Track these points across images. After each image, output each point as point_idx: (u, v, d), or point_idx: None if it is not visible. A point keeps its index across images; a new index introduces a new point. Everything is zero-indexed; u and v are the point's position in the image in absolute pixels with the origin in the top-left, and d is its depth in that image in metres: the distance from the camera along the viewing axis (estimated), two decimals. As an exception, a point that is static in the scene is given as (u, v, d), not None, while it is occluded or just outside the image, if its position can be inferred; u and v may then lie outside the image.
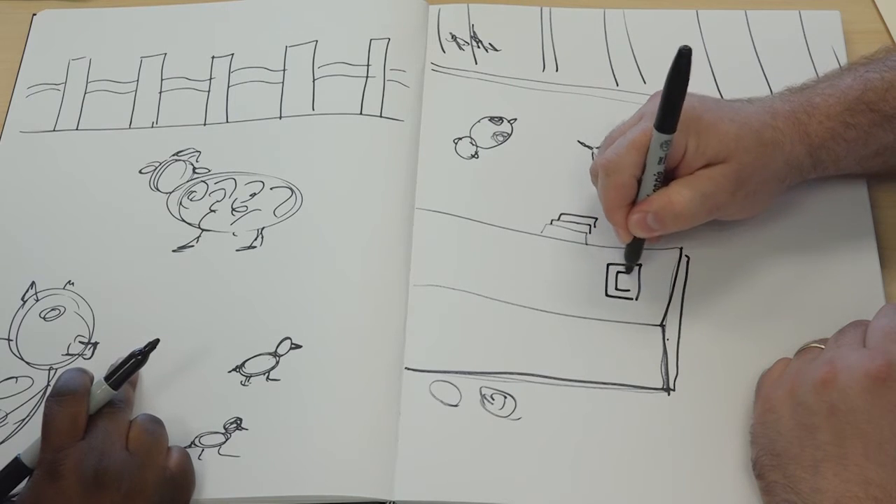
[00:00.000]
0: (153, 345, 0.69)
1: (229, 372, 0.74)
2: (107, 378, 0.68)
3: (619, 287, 0.76)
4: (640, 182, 0.72)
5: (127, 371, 0.68)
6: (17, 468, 0.67)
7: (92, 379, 0.69)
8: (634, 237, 0.74)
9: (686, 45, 0.65)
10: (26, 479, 0.67)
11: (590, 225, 0.79)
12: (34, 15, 0.93)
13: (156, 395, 0.73)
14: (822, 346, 0.68)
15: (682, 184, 0.71)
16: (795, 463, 0.63)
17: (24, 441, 0.71)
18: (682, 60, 0.66)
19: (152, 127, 0.86)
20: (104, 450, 0.65)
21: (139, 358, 0.68)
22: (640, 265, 0.77)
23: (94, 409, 0.67)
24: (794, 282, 0.76)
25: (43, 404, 0.67)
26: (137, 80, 0.89)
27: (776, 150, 0.72)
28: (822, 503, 0.61)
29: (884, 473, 0.60)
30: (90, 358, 0.75)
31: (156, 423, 0.69)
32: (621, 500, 0.68)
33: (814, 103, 0.73)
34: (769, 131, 0.72)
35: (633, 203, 0.73)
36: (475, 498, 0.69)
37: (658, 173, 0.71)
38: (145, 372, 0.73)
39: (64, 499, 0.64)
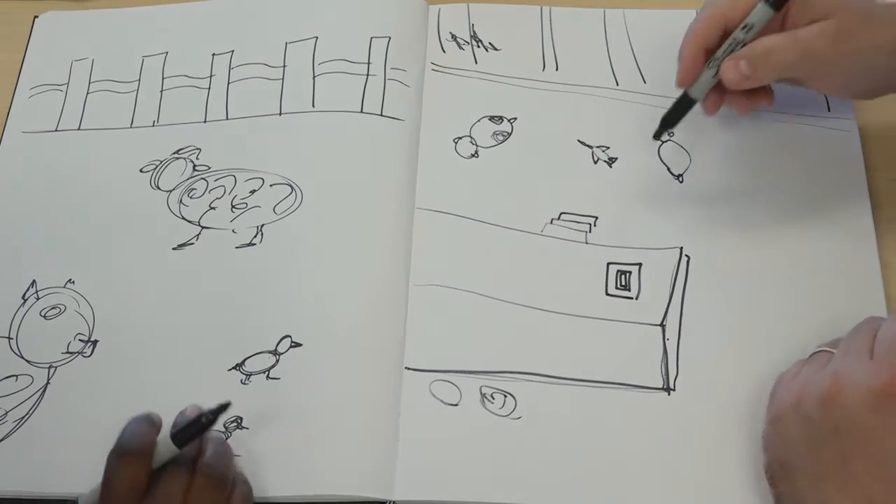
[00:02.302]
0: (223, 407, 0.67)
1: (229, 370, 0.74)
2: (173, 436, 0.66)
3: (619, 286, 0.76)
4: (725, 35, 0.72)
5: (194, 431, 0.67)
6: None
7: (158, 429, 0.68)
8: (686, 98, 0.74)
9: None
10: None
11: (590, 224, 0.79)
12: (36, 16, 0.93)
13: (156, 393, 0.73)
14: (833, 351, 0.66)
15: (775, 34, 0.71)
16: (802, 475, 0.62)
17: (25, 440, 0.72)
18: None
19: (153, 126, 0.86)
20: None
21: (209, 418, 0.67)
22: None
23: (156, 464, 0.66)
24: (795, 282, 0.76)
25: (106, 457, 0.65)
26: (139, 80, 0.89)
27: (884, 23, 0.70)
28: None
29: (887, 491, 0.59)
30: (90, 356, 0.75)
31: (218, 480, 0.67)
32: (621, 500, 0.68)
33: None
34: (881, 7, 0.70)
35: (707, 56, 0.72)
36: (475, 497, 0.69)
37: (744, 41, 0.71)
38: (146, 372, 0.73)
39: None
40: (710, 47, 0.73)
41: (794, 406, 0.63)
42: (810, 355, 0.68)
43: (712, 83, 0.73)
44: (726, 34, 0.72)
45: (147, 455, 0.65)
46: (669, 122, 0.75)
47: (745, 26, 0.71)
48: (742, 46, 0.71)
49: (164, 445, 0.66)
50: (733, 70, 0.71)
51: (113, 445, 0.66)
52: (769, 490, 0.65)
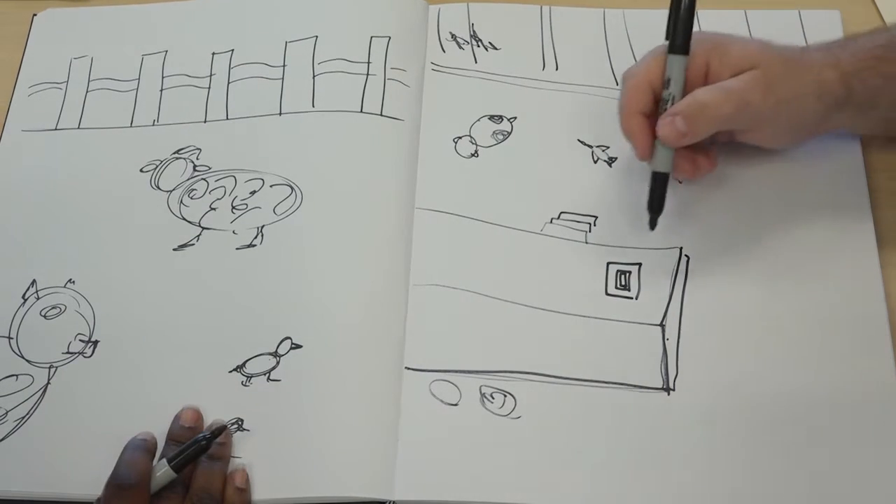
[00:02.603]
0: (218, 431, 0.69)
1: (230, 372, 0.74)
2: (169, 460, 0.68)
3: (619, 286, 0.76)
4: (656, 100, 0.73)
5: (190, 456, 0.68)
6: None
7: (154, 454, 0.69)
8: (655, 175, 0.74)
9: None
10: None
11: (590, 223, 0.79)
12: (35, 14, 0.93)
13: (156, 395, 0.73)
14: None
15: (706, 87, 0.72)
16: None
17: (25, 440, 0.72)
18: None
19: (153, 125, 0.86)
20: None
21: (203, 444, 0.68)
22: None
23: (153, 489, 0.67)
24: (794, 282, 0.76)
25: (102, 489, 0.67)
26: (139, 79, 0.89)
27: (804, 69, 0.72)
28: None
29: None
30: (90, 356, 0.75)
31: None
32: (621, 500, 0.68)
33: (846, 41, 0.74)
34: (796, 52, 0.73)
35: (651, 121, 0.73)
36: (475, 497, 0.69)
37: (672, 97, 0.72)
38: (146, 373, 0.73)
39: None
40: (647, 112, 0.73)
41: None
42: None
43: (670, 150, 0.74)
44: (656, 98, 0.73)
45: (145, 486, 0.67)
46: (655, 207, 0.75)
47: (666, 82, 0.72)
48: (672, 102, 0.72)
49: (161, 470, 0.67)
50: (669, 126, 0.72)
51: (110, 476, 0.67)
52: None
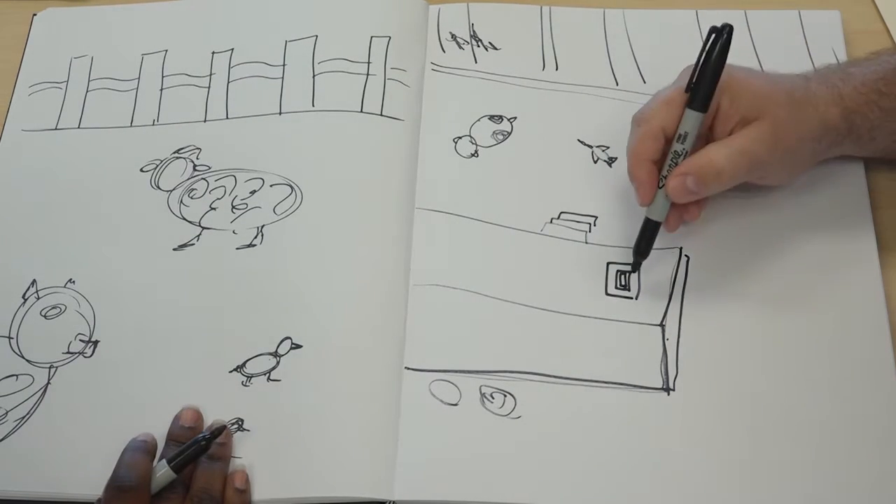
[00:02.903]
0: (218, 431, 0.69)
1: (230, 372, 0.74)
2: (169, 461, 0.68)
3: (619, 286, 0.76)
4: (668, 149, 0.73)
5: (189, 456, 0.68)
6: None
7: (154, 455, 0.69)
8: (648, 221, 0.74)
9: (729, 24, 0.68)
10: None
11: (590, 223, 0.79)
12: (35, 14, 0.93)
13: (156, 395, 0.73)
14: None
15: (718, 144, 0.72)
16: None
17: (25, 440, 0.72)
18: (725, 39, 0.68)
19: (153, 124, 0.86)
20: None
21: (203, 444, 0.68)
22: (640, 267, 0.76)
23: (154, 490, 0.67)
24: (794, 282, 0.76)
25: (102, 490, 0.67)
26: (139, 78, 0.89)
27: (809, 108, 0.72)
28: None
29: None
30: (91, 356, 0.75)
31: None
32: (620, 500, 0.68)
33: (849, 72, 0.74)
34: (801, 91, 0.73)
35: (658, 168, 0.73)
36: (475, 497, 0.69)
37: (685, 151, 0.72)
38: (146, 373, 0.73)
39: None
40: (655, 159, 0.73)
41: None
42: None
43: (669, 202, 0.74)
44: (667, 143, 0.73)
45: (145, 488, 0.67)
46: (642, 252, 0.75)
47: (679, 137, 0.72)
48: (684, 157, 0.72)
49: (161, 470, 0.67)
50: (680, 185, 0.72)
51: (111, 477, 0.67)
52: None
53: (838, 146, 0.75)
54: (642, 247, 0.75)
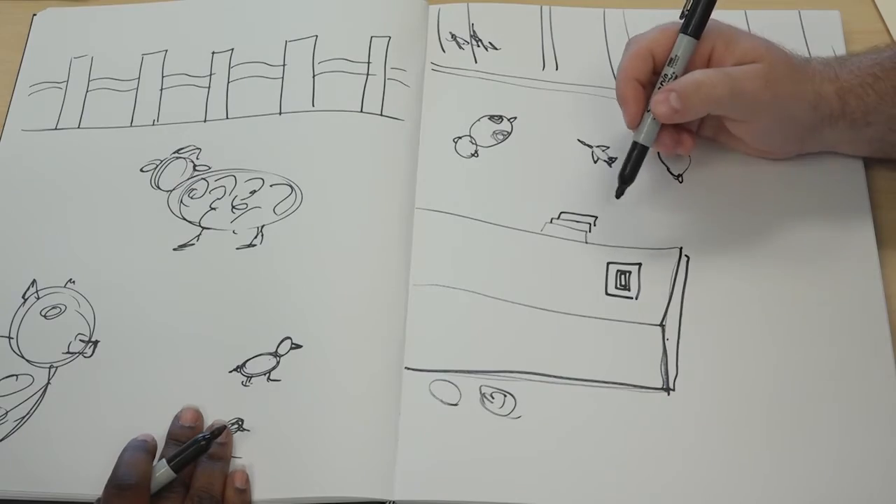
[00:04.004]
0: (218, 431, 0.69)
1: (230, 372, 0.74)
2: (169, 460, 0.68)
3: (619, 286, 0.76)
4: (656, 72, 0.74)
5: (189, 455, 0.68)
6: None
7: (154, 454, 0.69)
8: (636, 145, 0.75)
9: None
10: None
11: (590, 223, 0.79)
12: (34, 14, 0.93)
13: (156, 395, 0.73)
14: None
15: (708, 68, 0.73)
16: None
17: (25, 440, 0.72)
18: None
19: (153, 124, 0.86)
20: None
21: (203, 444, 0.68)
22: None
23: (153, 489, 0.68)
24: (795, 281, 0.76)
25: (102, 490, 0.67)
26: (139, 78, 0.89)
27: (806, 76, 0.73)
28: None
29: None
30: (91, 356, 0.75)
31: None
32: (620, 500, 0.68)
33: (846, 58, 0.75)
34: (800, 59, 0.74)
35: (647, 92, 0.74)
36: (475, 497, 0.69)
37: (675, 75, 0.73)
38: (146, 373, 0.73)
39: None
40: (643, 81, 0.74)
41: None
42: None
43: (657, 125, 0.74)
44: (656, 70, 0.74)
45: (145, 486, 0.67)
46: (627, 177, 0.75)
47: (670, 60, 0.73)
48: (673, 80, 0.73)
49: (161, 469, 0.68)
50: (664, 103, 0.72)
51: (110, 476, 0.67)
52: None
53: (833, 126, 0.75)
54: (628, 173, 0.75)
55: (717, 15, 0.87)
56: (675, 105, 0.72)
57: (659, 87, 0.74)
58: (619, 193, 0.76)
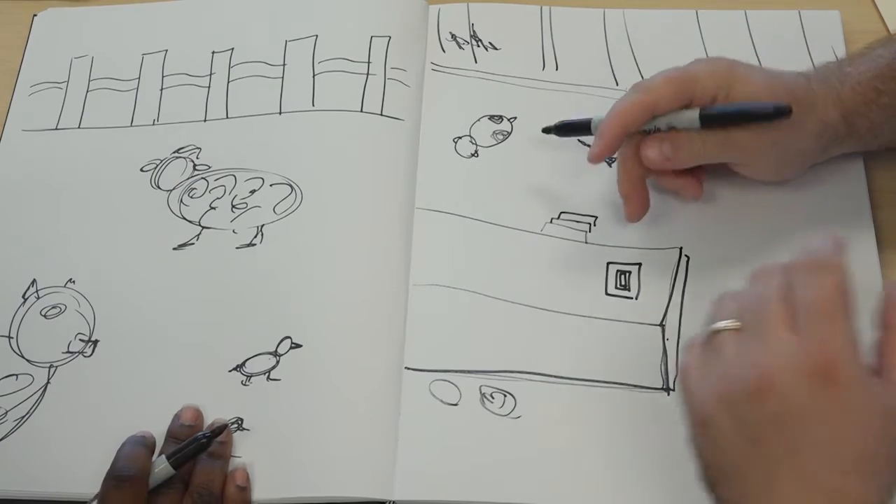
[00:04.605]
0: (219, 430, 0.69)
1: (230, 371, 0.74)
2: (169, 457, 0.68)
3: (619, 286, 0.76)
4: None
5: (189, 453, 0.68)
6: None
7: (153, 450, 0.70)
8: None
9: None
10: None
11: (590, 223, 0.79)
12: (35, 14, 0.93)
13: (156, 394, 0.73)
14: (737, 326, 0.59)
15: None
16: (747, 480, 0.55)
17: (25, 440, 0.72)
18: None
19: (153, 124, 0.86)
20: None
21: (203, 441, 0.68)
22: (639, 265, 0.76)
23: (152, 484, 0.67)
24: (794, 282, 0.76)
25: (101, 484, 0.67)
26: (139, 78, 0.89)
27: (808, 108, 0.72)
28: None
29: (846, 480, 0.53)
30: (90, 356, 0.75)
31: (209, 501, 0.68)
32: (620, 500, 0.68)
33: (845, 72, 0.74)
34: (802, 90, 0.72)
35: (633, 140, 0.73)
36: (475, 497, 0.69)
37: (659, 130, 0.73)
38: (146, 372, 0.73)
39: None
40: (631, 132, 0.73)
41: (722, 405, 0.56)
42: (706, 335, 0.60)
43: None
44: (651, 117, 0.73)
45: (144, 480, 0.67)
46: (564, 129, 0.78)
47: (670, 126, 0.72)
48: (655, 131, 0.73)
49: (160, 465, 0.67)
50: (655, 149, 0.72)
51: (109, 469, 0.67)
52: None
53: (838, 146, 0.75)
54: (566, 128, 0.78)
55: (717, 15, 0.88)
56: (667, 153, 0.72)
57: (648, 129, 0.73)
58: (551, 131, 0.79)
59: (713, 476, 0.58)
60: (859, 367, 0.55)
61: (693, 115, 0.71)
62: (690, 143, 0.72)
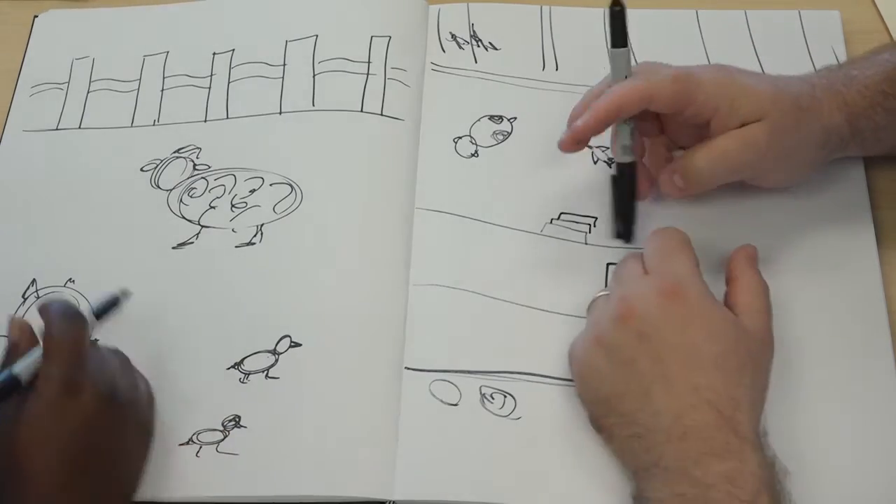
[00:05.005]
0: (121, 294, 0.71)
1: (228, 369, 0.74)
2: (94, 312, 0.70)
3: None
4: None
5: (108, 304, 0.70)
6: (10, 384, 0.64)
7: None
8: (617, 171, 0.75)
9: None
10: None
11: (590, 224, 0.79)
12: (36, 16, 0.93)
13: (155, 392, 0.73)
14: (607, 292, 0.71)
15: (704, 145, 0.72)
16: (626, 399, 0.65)
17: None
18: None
19: (154, 125, 0.86)
20: (109, 370, 0.67)
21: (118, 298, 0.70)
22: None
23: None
24: (794, 281, 0.75)
25: (46, 327, 0.65)
26: (140, 79, 0.89)
27: (813, 115, 0.72)
28: (664, 423, 0.63)
29: (708, 376, 0.63)
30: (90, 356, 0.75)
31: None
32: (620, 500, 0.68)
33: (851, 75, 0.74)
34: (807, 98, 0.72)
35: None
36: (475, 497, 0.68)
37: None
38: (145, 371, 0.73)
39: (83, 413, 0.64)
40: (614, 121, 0.73)
41: (595, 344, 0.67)
42: (587, 309, 0.72)
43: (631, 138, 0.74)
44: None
45: (87, 320, 0.67)
46: (626, 217, 0.76)
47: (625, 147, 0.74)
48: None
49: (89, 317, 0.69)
50: (669, 183, 0.74)
51: (53, 307, 0.66)
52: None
53: (843, 149, 0.75)
54: (624, 209, 0.76)
55: (717, 15, 0.88)
56: (679, 185, 0.73)
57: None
58: (621, 234, 0.76)
59: (599, 411, 0.68)
60: (701, 287, 0.67)
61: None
62: (701, 172, 0.72)
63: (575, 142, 0.73)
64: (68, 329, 0.65)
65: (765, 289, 0.70)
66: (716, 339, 0.65)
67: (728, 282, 0.71)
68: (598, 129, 0.72)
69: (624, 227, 0.76)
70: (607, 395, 0.66)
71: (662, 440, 0.63)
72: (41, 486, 0.62)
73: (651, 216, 0.78)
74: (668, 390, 0.63)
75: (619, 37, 0.72)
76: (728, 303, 0.69)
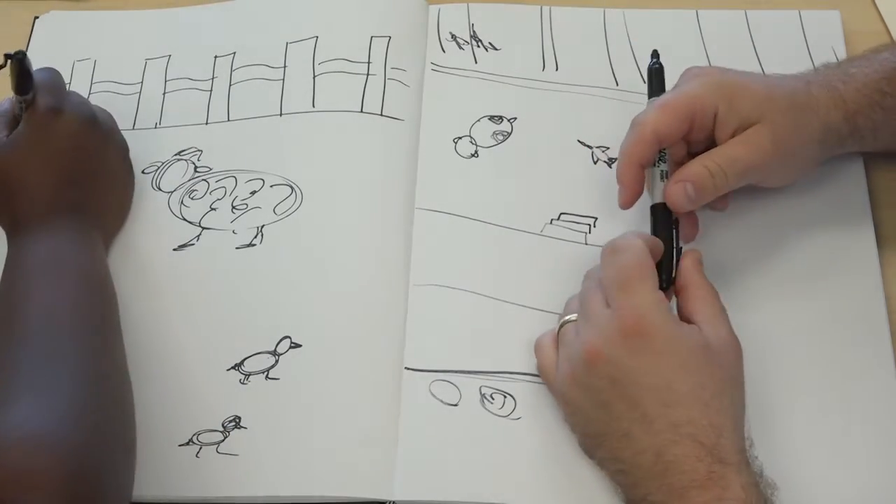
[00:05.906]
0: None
1: (228, 370, 0.74)
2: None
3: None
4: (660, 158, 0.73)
5: (22, 76, 0.74)
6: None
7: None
8: (656, 210, 0.73)
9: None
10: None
11: (590, 224, 0.79)
12: (36, 17, 0.93)
13: (154, 391, 0.73)
14: (575, 318, 0.69)
15: (712, 152, 0.72)
16: (610, 438, 0.65)
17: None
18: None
19: (155, 127, 0.86)
20: (88, 103, 0.79)
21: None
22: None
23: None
24: (794, 281, 0.76)
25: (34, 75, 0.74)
26: (142, 82, 0.89)
27: (810, 112, 0.72)
28: (646, 461, 0.63)
29: (687, 410, 0.63)
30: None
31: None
32: (620, 500, 0.68)
33: (849, 73, 0.74)
34: (802, 95, 0.72)
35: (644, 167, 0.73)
36: (475, 498, 0.69)
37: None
38: (145, 371, 0.73)
39: (67, 132, 0.75)
40: (645, 164, 0.73)
41: (573, 383, 0.67)
42: (559, 329, 0.70)
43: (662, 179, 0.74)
44: (660, 146, 0.73)
45: None
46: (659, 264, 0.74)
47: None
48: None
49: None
50: (681, 193, 0.72)
51: None
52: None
53: (842, 146, 0.75)
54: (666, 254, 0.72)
55: (717, 15, 0.88)
56: (691, 195, 0.72)
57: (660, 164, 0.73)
58: (668, 284, 0.72)
59: (588, 444, 0.68)
60: (664, 317, 0.65)
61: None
62: (712, 179, 0.72)
63: (630, 203, 0.74)
64: (44, 72, 0.76)
65: (715, 294, 0.69)
66: (688, 371, 0.64)
67: (677, 291, 0.69)
68: (636, 191, 0.73)
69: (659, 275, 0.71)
70: (593, 433, 0.67)
71: (647, 477, 0.63)
72: (34, 197, 0.72)
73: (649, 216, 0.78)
74: (647, 430, 0.63)
75: (657, 91, 0.74)
76: (682, 313, 0.68)
